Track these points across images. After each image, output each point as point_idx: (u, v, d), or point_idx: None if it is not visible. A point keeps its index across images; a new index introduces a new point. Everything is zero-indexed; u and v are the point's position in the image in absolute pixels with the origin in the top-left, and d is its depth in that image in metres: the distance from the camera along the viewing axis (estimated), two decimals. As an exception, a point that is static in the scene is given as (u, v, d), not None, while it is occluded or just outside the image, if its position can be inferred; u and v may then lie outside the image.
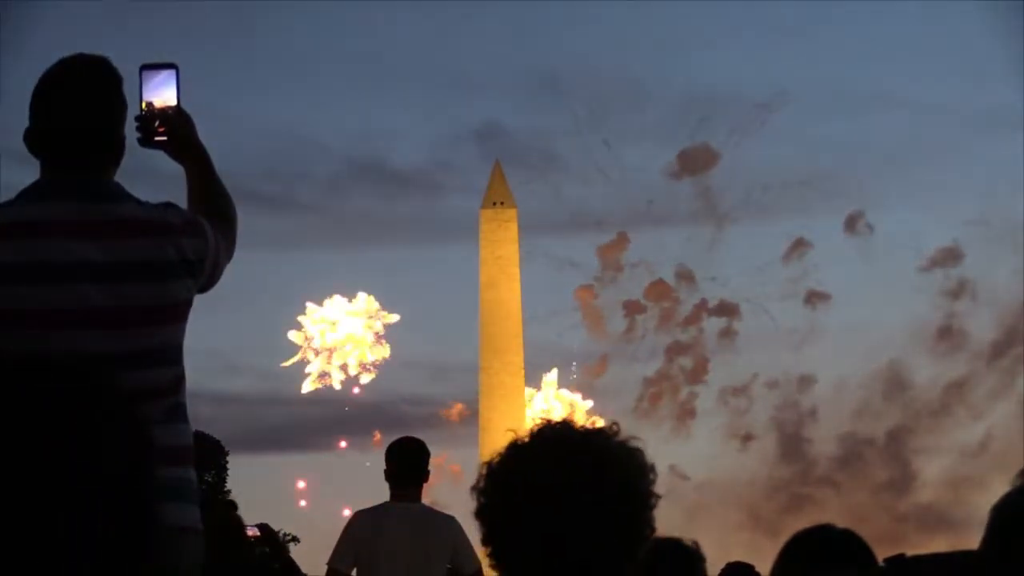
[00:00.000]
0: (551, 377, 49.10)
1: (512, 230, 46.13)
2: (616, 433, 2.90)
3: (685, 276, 50.73)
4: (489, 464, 2.91)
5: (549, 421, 2.91)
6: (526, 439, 2.89)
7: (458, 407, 49.47)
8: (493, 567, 2.88)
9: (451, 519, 8.67)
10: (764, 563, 4.16)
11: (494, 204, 46.30)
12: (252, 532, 10.50)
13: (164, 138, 4.53)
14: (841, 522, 4.14)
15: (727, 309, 49.97)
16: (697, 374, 49.51)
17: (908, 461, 48.04)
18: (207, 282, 4.42)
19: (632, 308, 50.71)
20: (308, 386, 48.08)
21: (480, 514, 2.88)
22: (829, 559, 3.94)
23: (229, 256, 4.54)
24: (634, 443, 2.90)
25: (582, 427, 2.90)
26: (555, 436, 2.87)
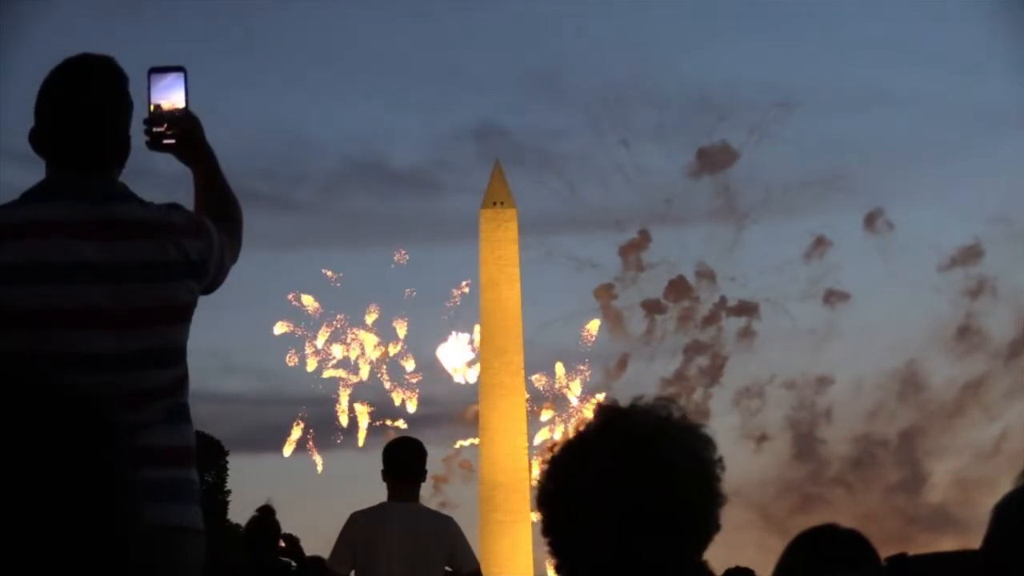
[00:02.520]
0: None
1: (512, 230, 46.07)
2: (686, 421, 2.79)
3: (705, 275, 50.65)
4: (552, 452, 2.83)
5: (615, 406, 2.83)
6: (591, 426, 2.80)
7: (473, 407, 49.42)
8: (554, 561, 2.83)
9: (449, 519, 8.67)
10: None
11: (494, 204, 46.25)
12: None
13: (172, 141, 4.52)
14: (852, 522, 4.13)
15: (747, 309, 49.91)
16: (714, 374, 49.44)
17: (922, 462, 47.86)
18: (211, 283, 4.41)
19: (652, 308, 50.58)
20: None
21: (540, 504, 2.80)
22: (832, 559, 3.93)
23: (234, 258, 4.54)
24: (704, 432, 2.80)
25: (649, 412, 2.80)
26: (621, 424, 2.77)
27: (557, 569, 2.81)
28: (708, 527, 2.77)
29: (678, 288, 50.86)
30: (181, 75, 4.54)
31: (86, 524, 1.76)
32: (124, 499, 1.82)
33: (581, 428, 2.81)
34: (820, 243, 50.75)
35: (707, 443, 2.80)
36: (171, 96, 4.53)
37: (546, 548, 2.80)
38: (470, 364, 48.85)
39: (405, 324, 49.60)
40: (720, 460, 2.78)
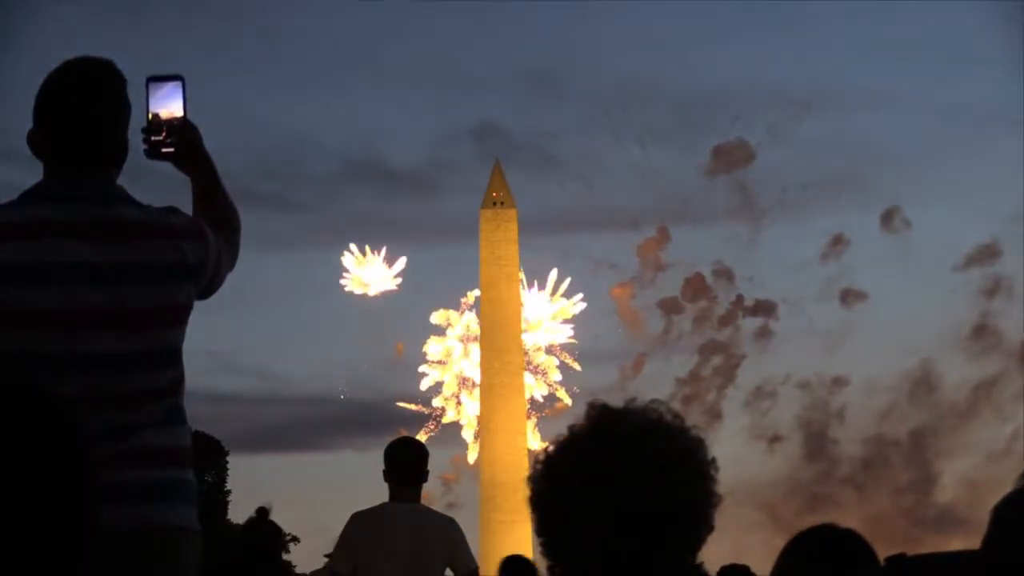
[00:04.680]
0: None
1: (512, 230, 46.11)
2: (678, 423, 2.80)
3: (723, 274, 50.57)
4: (545, 452, 2.83)
5: (607, 406, 2.83)
6: (584, 427, 2.80)
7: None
8: (547, 562, 2.83)
9: (450, 520, 8.68)
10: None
11: (494, 204, 46.29)
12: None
13: (171, 149, 4.52)
14: (861, 523, 4.13)
15: (764, 308, 49.83)
16: (729, 374, 49.35)
17: (932, 463, 47.69)
18: (208, 287, 4.42)
19: (669, 307, 50.45)
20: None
21: (533, 504, 2.80)
22: (830, 559, 3.93)
23: (232, 264, 4.55)
24: (696, 434, 2.81)
25: (642, 413, 2.80)
26: (614, 425, 2.78)
27: (550, 570, 2.81)
28: (701, 527, 2.77)
29: (695, 287, 50.86)
30: (179, 84, 4.53)
31: (45, 522, 1.76)
32: (87, 500, 1.81)
33: (574, 428, 2.81)
34: (837, 242, 50.77)
35: (699, 444, 2.81)
36: (169, 105, 4.52)
37: (539, 549, 2.81)
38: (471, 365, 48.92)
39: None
40: (713, 461, 2.79)
